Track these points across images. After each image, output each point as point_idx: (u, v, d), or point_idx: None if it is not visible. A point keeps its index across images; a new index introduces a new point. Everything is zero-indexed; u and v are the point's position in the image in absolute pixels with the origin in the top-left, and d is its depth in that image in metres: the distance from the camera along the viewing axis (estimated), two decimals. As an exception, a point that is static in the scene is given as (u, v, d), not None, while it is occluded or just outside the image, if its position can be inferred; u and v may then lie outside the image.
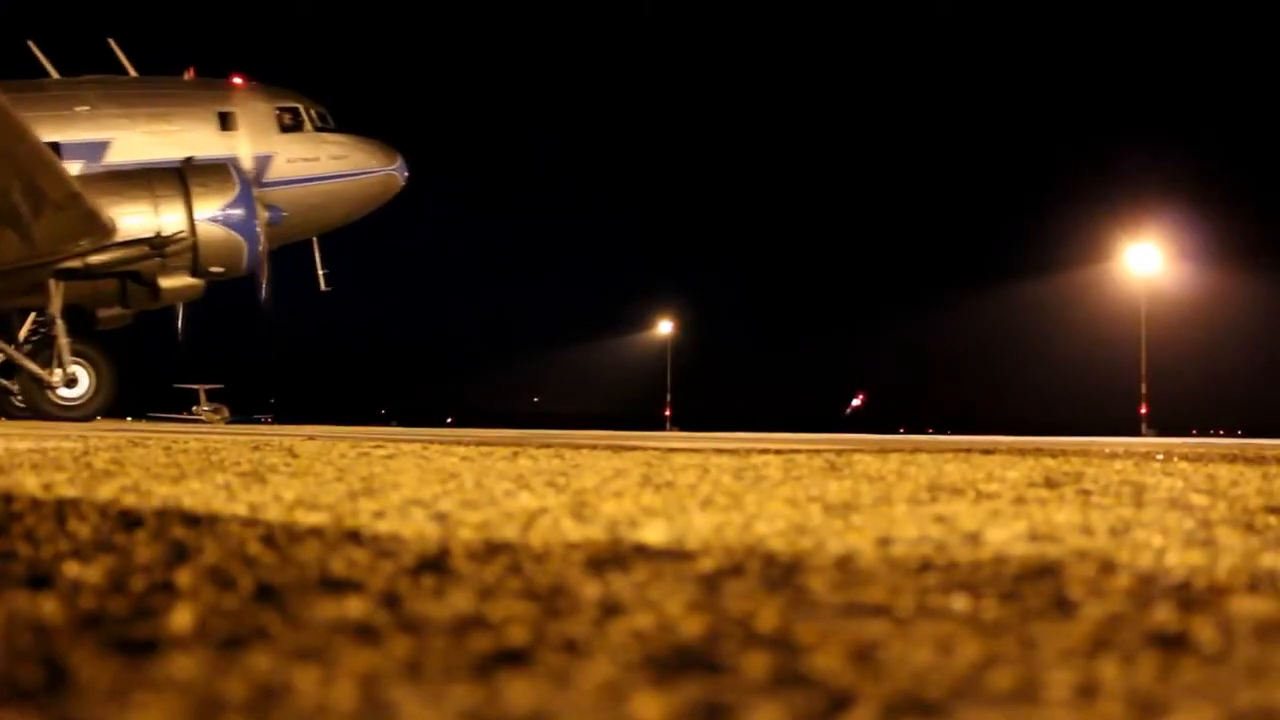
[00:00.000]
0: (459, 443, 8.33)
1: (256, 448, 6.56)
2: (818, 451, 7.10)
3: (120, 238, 19.17)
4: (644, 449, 7.32)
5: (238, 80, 21.42)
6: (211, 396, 54.22)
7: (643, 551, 2.02)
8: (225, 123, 20.79)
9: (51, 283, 19.21)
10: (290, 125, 21.43)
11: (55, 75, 21.26)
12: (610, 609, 1.46)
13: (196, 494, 3.13)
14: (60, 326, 19.52)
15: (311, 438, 9.39)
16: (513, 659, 1.18)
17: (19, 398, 20.86)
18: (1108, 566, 1.89)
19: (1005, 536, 2.30)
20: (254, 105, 21.06)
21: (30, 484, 3.47)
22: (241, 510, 2.68)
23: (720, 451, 6.96)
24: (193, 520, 2.46)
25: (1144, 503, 3.23)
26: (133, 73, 21.54)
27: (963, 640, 1.30)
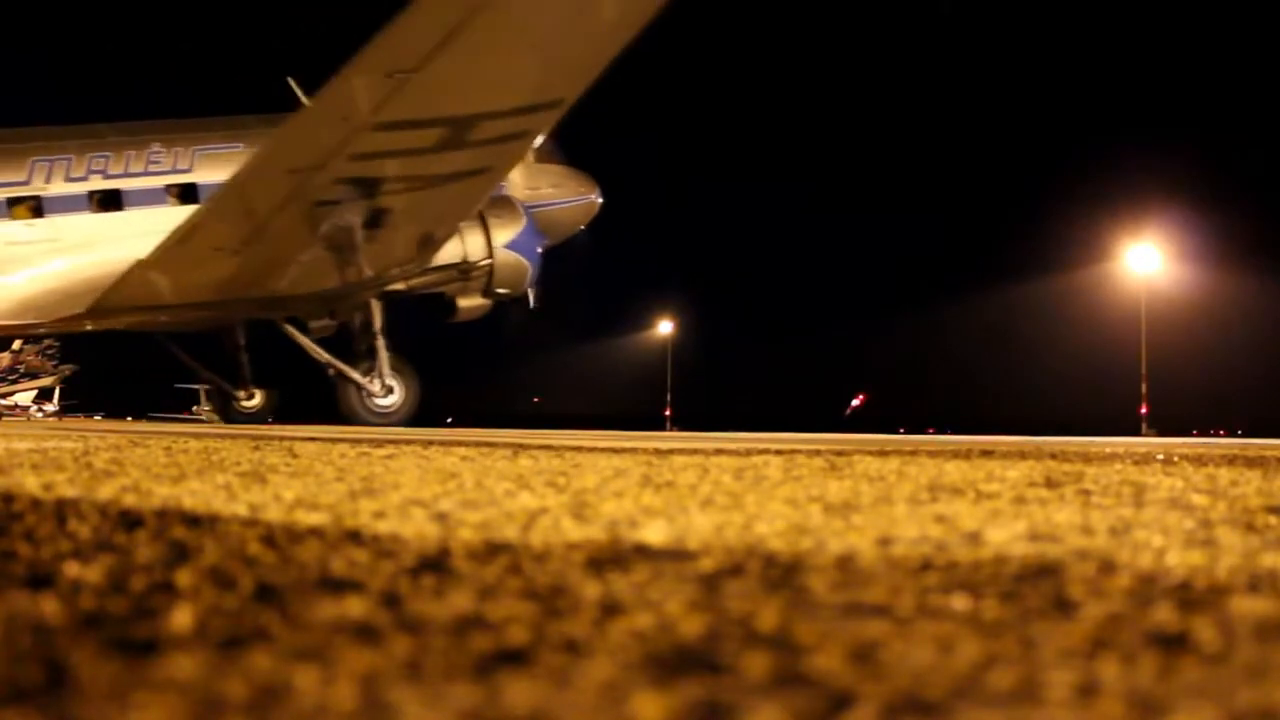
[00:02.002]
0: (459, 442, 8.34)
1: (256, 448, 6.56)
2: (818, 451, 7.10)
3: (435, 263, 20.95)
4: (644, 449, 7.32)
5: None
6: (212, 397, 54.19)
7: (643, 551, 2.02)
8: None
9: (373, 301, 20.89)
10: None
11: None
12: (610, 609, 1.46)
13: (196, 494, 3.13)
14: (383, 342, 21.18)
15: (312, 438, 9.39)
16: (513, 659, 1.18)
17: (243, 404, 22.03)
18: (1108, 566, 1.89)
19: (1005, 536, 2.30)
20: None
21: (30, 484, 3.47)
22: (242, 510, 2.68)
23: (720, 451, 6.96)
24: (193, 520, 2.46)
25: (1144, 502, 3.23)
26: None
27: (963, 640, 1.30)
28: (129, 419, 42.94)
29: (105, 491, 3.21)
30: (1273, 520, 2.75)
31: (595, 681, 1.09)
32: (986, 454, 6.93)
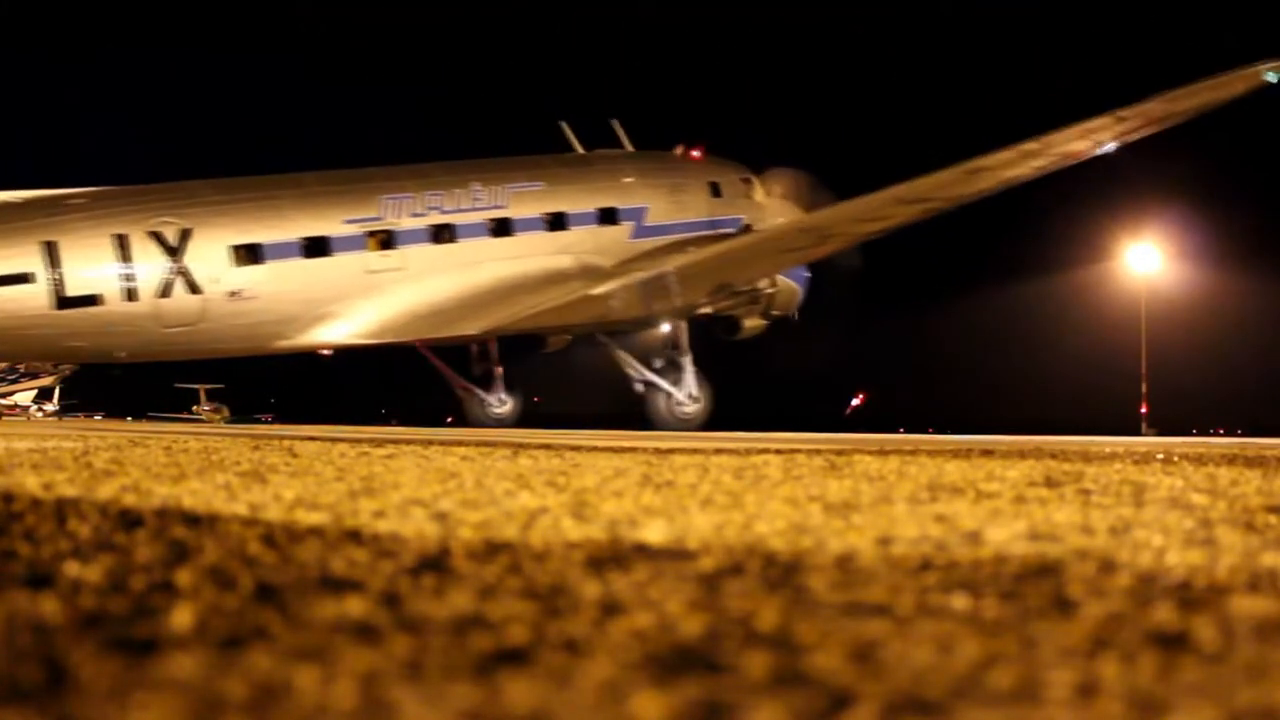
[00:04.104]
0: (459, 442, 8.34)
1: (256, 447, 6.56)
2: (818, 451, 7.11)
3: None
4: (644, 449, 7.32)
5: (696, 153, 25.22)
6: (212, 396, 54.32)
7: (643, 551, 2.02)
8: (715, 191, 24.72)
9: (682, 322, 23.51)
10: (748, 193, 25.41)
11: (580, 151, 24.68)
12: (610, 608, 1.46)
13: (196, 494, 3.13)
14: (689, 357, 23.56)
15: (312, 437, 9.39)
16: (513, 659, 1.18)
17: (494, 410, 24.83)
18: (1108, 566, 1.89)
19: (1005, 536, 2.30)
20: (729, 176, 24.95)
21: (30, 484, 3.47)
22: (242, 510, 2.68)
23: (720, 451, 6.96)
24: (193, 520, 2.46)
25: (1144, 502, 3.23)
26: (629, 148, 25.07)
27: (963, 640, 1.30)
28: (128, 419, 42.97)
29: (105, 491, 3.21)
30: (1273, 520, 2.75)
31: (595, 681, 1.09)
32: (986, 454, 6.94)
